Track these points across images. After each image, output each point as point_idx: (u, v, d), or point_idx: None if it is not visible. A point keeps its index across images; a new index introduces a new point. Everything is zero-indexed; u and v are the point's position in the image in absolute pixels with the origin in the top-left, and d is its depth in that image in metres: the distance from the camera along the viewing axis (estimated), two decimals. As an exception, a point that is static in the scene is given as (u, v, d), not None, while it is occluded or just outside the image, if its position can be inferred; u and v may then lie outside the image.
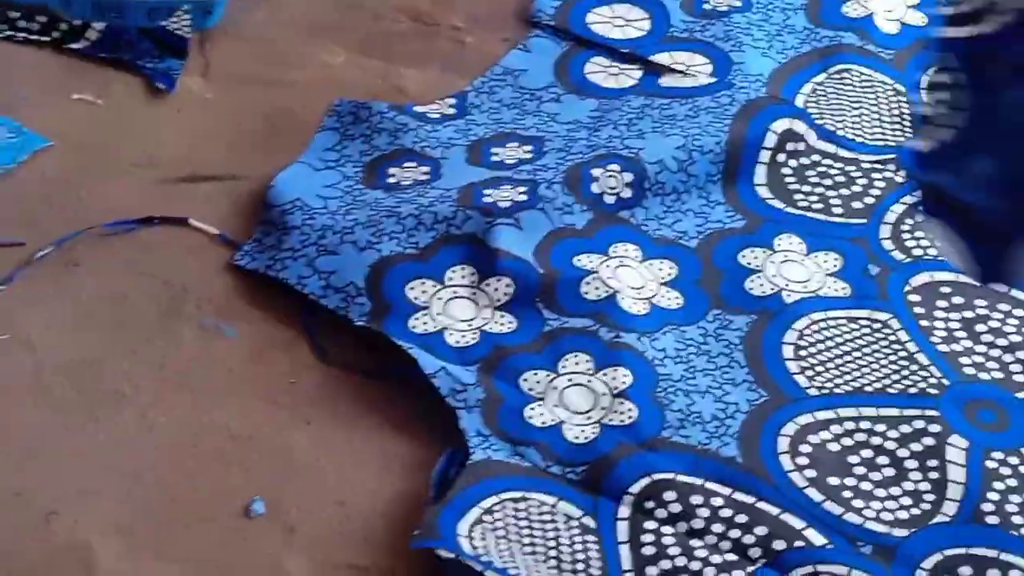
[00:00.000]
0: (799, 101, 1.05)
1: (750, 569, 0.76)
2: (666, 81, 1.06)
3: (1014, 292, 0.91)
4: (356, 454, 0.82)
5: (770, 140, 0.99)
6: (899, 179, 0.98)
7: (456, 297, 0.87)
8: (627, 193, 0.95)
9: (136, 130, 0.96)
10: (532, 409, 0.82)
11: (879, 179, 0.98)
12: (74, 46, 1.00)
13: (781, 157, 1.00)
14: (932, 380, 0.86)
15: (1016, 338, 0.89)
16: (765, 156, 0.99)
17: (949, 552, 0.77)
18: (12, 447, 0.81)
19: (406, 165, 0.96)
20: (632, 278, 0.89)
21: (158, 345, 0.86)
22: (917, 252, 0.93)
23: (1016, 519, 0.78)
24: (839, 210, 0.97)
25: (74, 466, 0.81)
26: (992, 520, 0.78)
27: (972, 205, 0.70)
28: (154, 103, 0.99)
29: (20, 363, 0.85)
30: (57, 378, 0.85)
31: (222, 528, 0.77)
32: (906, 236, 0.94)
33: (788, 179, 0.99)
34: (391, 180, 0.94)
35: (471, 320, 0.86)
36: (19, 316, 0.87)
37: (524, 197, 0.92)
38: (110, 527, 0.77)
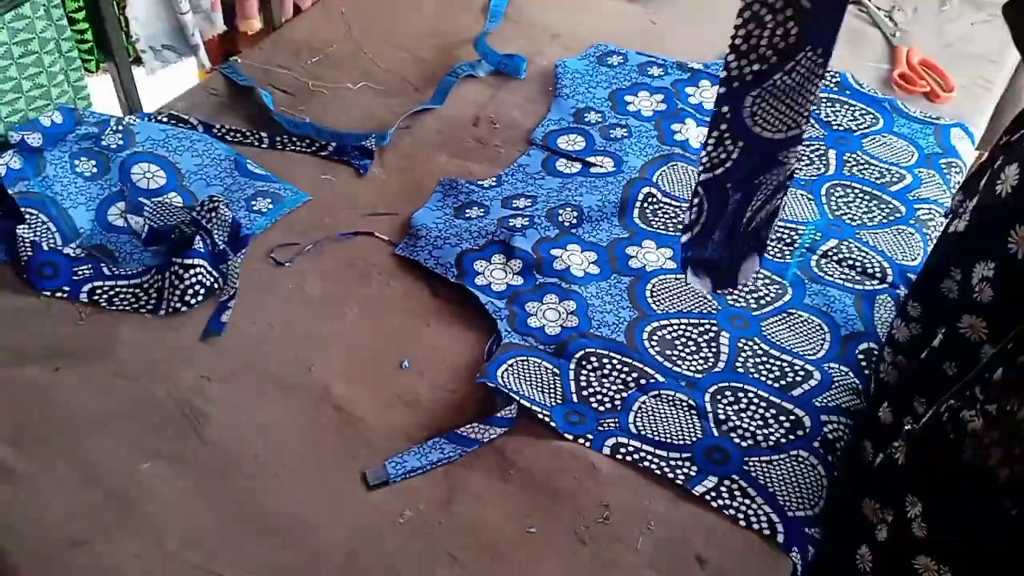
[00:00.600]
0: (654, 178, 1.05)
1: (626, 393, 0.82)
2: (594, 170, 1.06)
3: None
4: (453, 339, 0.87)
5: (640, 196, 1.02)
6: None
7: (496, 268, 0.92)
8: (575, 221, 0.99)
9: (350, 192, 1.02)
10: (530, 319, 0.88)
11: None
12: (322, 154, 1.06)
13: (645, 204, 1.02)
14: (713, 305, 0.91)
15: (754, 287, 0.93)
16: (638, 204, 1.02)
17: (721, 384, 0.84)
18: (295, 329, 0.87)
19: (472, 209, 0.99)
20: (577, 260, 0.94)
21: (360, 289, 0.92)
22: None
23: (751, 370, 0.85)
24: (672, 228, 1.00)
25: (333, 341, 0.86)
26: (740, 370, 0.85)
27: (711, 259, 0.75)
28: (359, 179, 1.04)
29: (311, 282, 0.90)
30: (316, 295, 0.90)
31: (390, 372, 0.84)
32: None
33: (648, 214, 1.01)
34: (467, 215, 0.98)
35: (503, 279, 0.92)
36: (302, 267, 0.92)
37: (527, 223, 0.97)
38: (343, 376, 0.83)
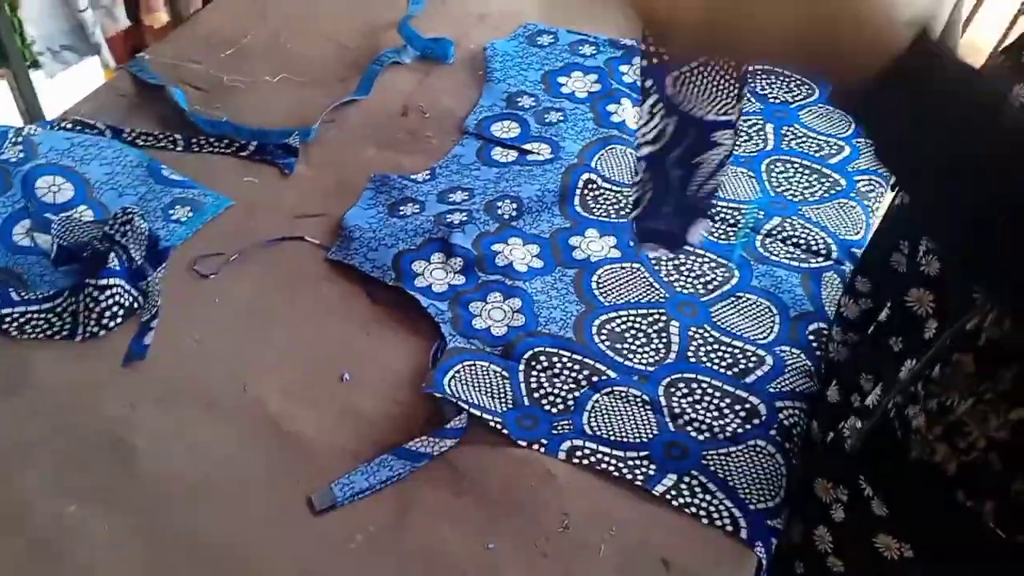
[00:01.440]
0: (593, 163, 1.03)
1: (579, 392, 0.81)
2: (530, 158, 1.04)
3: (694, 250, 0.94)
4: (395, 346, 0.84)
5: (580, 183, 1.00)
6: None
7: (436, 268, 0.90)
8: (515, 213, 0.97)
9: (275, 194, 0.98)
10: (475, 320, 0.86)
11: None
12: (243, 154, 1.02)
13: (586, 191, 1.00)
14: (661, 293, 0.90)
15: (700, 271, 0.92)
16: (578, 191, 1.00)
17: (674, 376, 0.83)
18: (225, 346, 0.83)
19: (407, 205, 0.97)
20: (519, 254, 0.92)
21: (293, 298, 0.88)
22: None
23: (703, 359, 0.84)
24: (614, 215, 0.98)
25: (267, 356, 0.83)
26: (692, 360, 0.84)
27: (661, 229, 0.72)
28: (284, 180, 1.00)
29: (239, 294, 0.87)
30: (245, 307, 0.86)
31: (330, 385, 0.81)
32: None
33: (589, 202, 1.00)
34: (401, 213, 0.95)
35: (443, 279, 0.89)
36: (229, 278, 0.89)
37: (466, 218, 0.95)
38: (280, 393, 0.79)
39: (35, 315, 0.84)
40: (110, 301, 0.85)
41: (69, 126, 1.02)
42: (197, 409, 0.79)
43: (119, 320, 0.85)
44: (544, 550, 0.72)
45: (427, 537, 0.72)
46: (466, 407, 0.77)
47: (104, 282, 0.85)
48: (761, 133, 1.10)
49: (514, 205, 0.99)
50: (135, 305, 0.87)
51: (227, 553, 0.70)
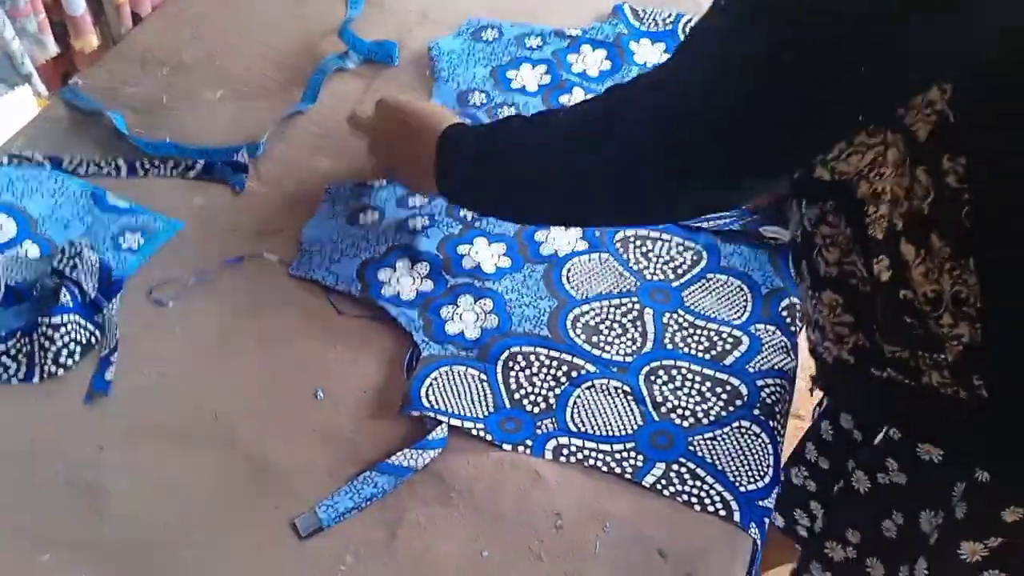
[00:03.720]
0: None
1: (559, 389, 0.80)
2: None
3: (660, 235, 0.93)
4: (367, 359, 0.83)
5: None
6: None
7: (402, 275, 0.88)
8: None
9: (228, 213, 0.95)
10: (447, 325, 0.85)
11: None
12: (190, 174, 0.99)
13: None
14: (632, 282, 0.89)
15: (668, 256, 0.91)
16: None
17: (653, 364, 0.83)
18: (191, 375, 0.81)
19: (366, 213, 0.94)
20: (486, 255, 0.91)
21: (257, 319, 0.86)
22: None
23: (680, 345, 0.84)
24: None
25: (235, 381, 0.81)
26: (669, 346, 0.84)
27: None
28: (236, 197, 0.97)
29: (200, 320, 0.84)
30: (208, 333, 0.84)
31: (303, 406, 0.79)
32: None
33: None
34: (361, 223, 0.94)
35: (411, 286, 0.88)
36: (188, 304, 0.86)
37: (428, 222, 0.93)
38: (252, 418, 0.78)
39: (-13, 360, 0.81)
40: (66, 339, 0.82)
41: (5, 160, 0.99)
42: (167, 443, 0.77)
43: (77, 357, 0.82)
44: (539, 553, 0.71)
45: (419, 551, 0.71)
46: (446, 419, 0.77)
47: (57, 319, 0.82)
48: None
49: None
50: (92, 340, 0.84)
51: (214, 590, 0.68)
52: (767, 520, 0.74)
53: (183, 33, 1.19)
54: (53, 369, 0.81)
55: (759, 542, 0.73)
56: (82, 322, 0.83)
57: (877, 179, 0.61)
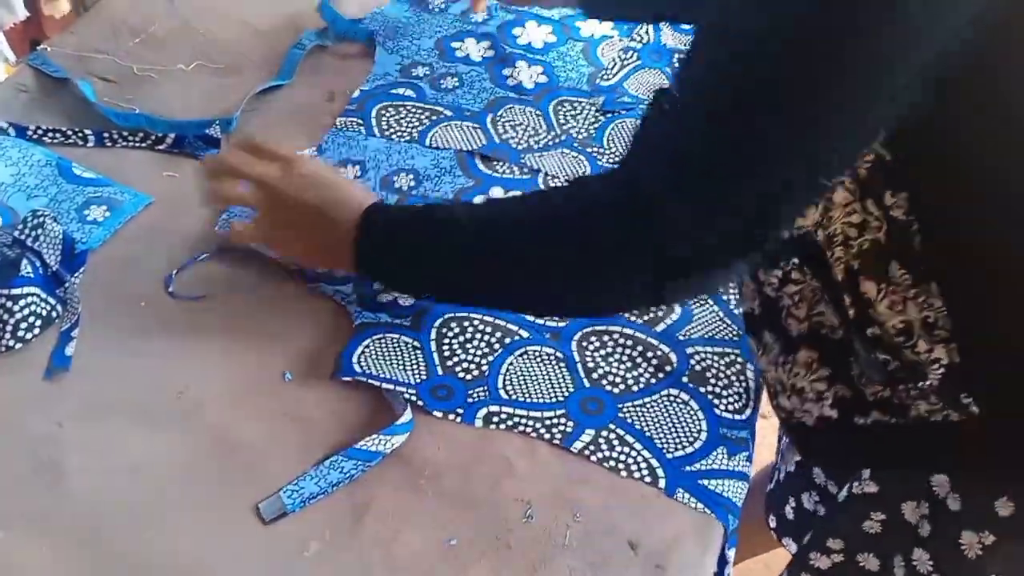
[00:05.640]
0: (488, 122, 1.01)
1: (492, 356, 0.79)
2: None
3: None
4: (337, 339, 0.80)
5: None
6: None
7: None
8: (413, 183, 0.94)
9: (198, 188, 0.89)
10: (379, 296, 0.83)
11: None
12: (160, 148, 0.97)
13: None
14: None
15: None
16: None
17: (586, 330, 0.82)
18: (156, 351, 0.79)
19: None
20: None
21: (224, 295, 0.84)
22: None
23: None
24: (519, 171, 0.94)
25: (202, 359, 0.79)
26: None
27: None
28: None
29: (164, 295, 0.82)
30: (173, 309, 0.81)
31: (271, 386, 0.77)
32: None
33: (492, 159, 0.97)
34: None
35: None
36: (154, 280, 0.83)
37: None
38: (219, 397, 0.76)
39: (-57, 332, 0.78)
40: (26, 311, 0.79)
41: (-33, 126, 0.95)
42: (129, 421, 0.74)
43: (36, 331, 0.80)
44: (508, 541, 0.70)
45: (386, 539, 0.69)
46: (379, 384, 0.76)
47: (18, 291, 0.79)
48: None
49: (411, 176, 0.96)
50: (53, 314, 0.81)
51: (175, 574, 0.66)
52: (737, 515, 0.73)
53: (156, 3, 1.16)
54: (11, 343, 0.79)
55: (729, 530, 0.72)
56: (43, 295, 0.80)
57: (828, 223, 0.62)
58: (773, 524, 0.98)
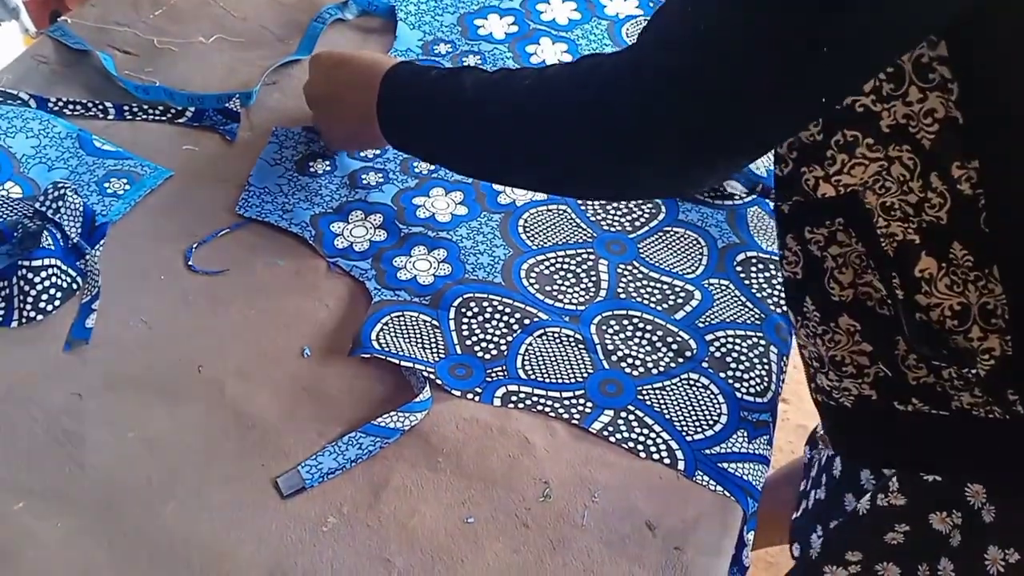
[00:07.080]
0: None
1: (511, 336, 0.80)
2: None
3: None
4: (357, 317, 0.80)
5: None
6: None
7: (356, 226, 0.87)
8: (434, 167, 0.93)
9: (218, 162, 0.93)
10: (399, 272, 0.84)
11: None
12: (180, 121, 0.96)
13: None
14: (588, 233, 0.89)
15: (627, 208, 0.91)
16: None
17: (605, 314, 0.82)
18: (176, 326, 0.79)
19: (316, 163, 0.93)
20: (442, 203, 0.90)
21: (245, 272, 0.83)
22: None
23: (633, 295, 0.84)
24: None
25: (221, 335, 0.79)
26: (623, 296, 0.84)
27: None
28: (227, 146, 0.94)
29: (186, 270, 0.82)
30: (194, 284, 0.81)
31: (290, 363, 0.77)
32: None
33: None
34: (312, 170, 0.92)
35: (364, 236, 0.87)
36: (174, 254, 0.83)
37: (382, 178, 0.92)
38: (237, 373, 0.76)
39: (-36, 302, 0.78)
40: (47, 283, 0.79)
41: (-11, 97, 0.95)
42: (149, 395, 0.74)
43: (57, 303, 0.79)
44: (525, 520, 0.69)
45: (403, 516, 0.69)
46: (397, 361, 0.76)
47: (39, 263, 0.79)
48: None
49: None
50: (74, 286, 0.81)
51: (194, 548, 0.66)
52: (757, 498, 0.72)
53: (177, -26, 1.14)
54: (32, 314, 0.79)
55: (748, 513, 0.72)
56: (63, 267, 0.80)
57: (884, 192, 0.59)
58: (796, 553, 0.94)
